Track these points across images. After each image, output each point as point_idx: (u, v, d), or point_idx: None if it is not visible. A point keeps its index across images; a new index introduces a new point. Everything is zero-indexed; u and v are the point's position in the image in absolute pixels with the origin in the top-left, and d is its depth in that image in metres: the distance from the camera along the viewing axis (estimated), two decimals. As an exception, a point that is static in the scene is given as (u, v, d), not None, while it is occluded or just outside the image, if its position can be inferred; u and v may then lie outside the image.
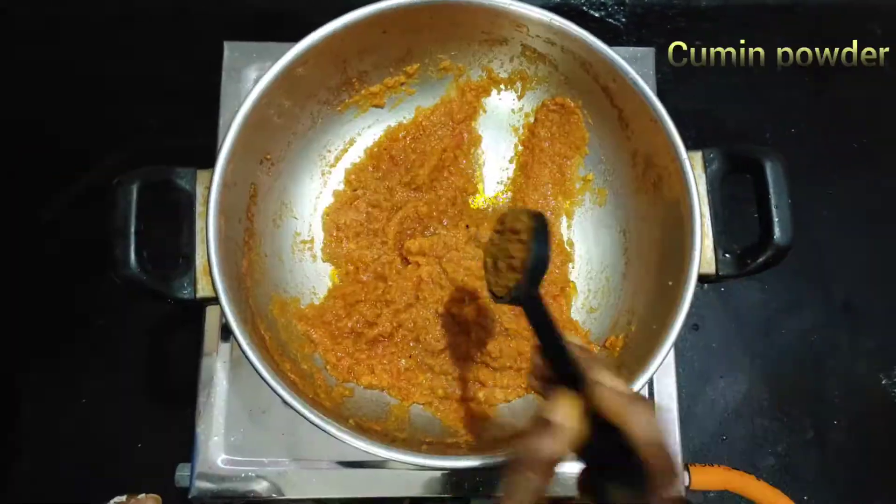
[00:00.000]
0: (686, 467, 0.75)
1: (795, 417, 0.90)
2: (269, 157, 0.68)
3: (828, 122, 0.99)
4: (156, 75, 0.95)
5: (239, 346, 0.60)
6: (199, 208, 0.64)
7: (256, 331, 0.61)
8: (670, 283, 0.62)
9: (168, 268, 0.62)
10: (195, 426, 0.74)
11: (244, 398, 0.74)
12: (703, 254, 0.63)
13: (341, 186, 0.75)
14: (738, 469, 0.74)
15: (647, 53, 0.84)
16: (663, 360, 0.61)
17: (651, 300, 0.66)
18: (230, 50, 0.84)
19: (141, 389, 0.84)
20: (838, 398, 0.90)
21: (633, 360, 0.63)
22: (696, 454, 0.80)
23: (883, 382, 0.89)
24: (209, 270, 0.61)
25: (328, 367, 0.68)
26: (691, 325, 0.90)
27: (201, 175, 0.63)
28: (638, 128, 0.67)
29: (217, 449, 0.72)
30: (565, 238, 0.75)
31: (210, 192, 0.60)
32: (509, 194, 0.78)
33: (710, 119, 0.96)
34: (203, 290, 0.62)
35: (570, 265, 0.75)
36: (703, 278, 0.63)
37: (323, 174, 0.76)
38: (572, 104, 0.73)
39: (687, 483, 0.74)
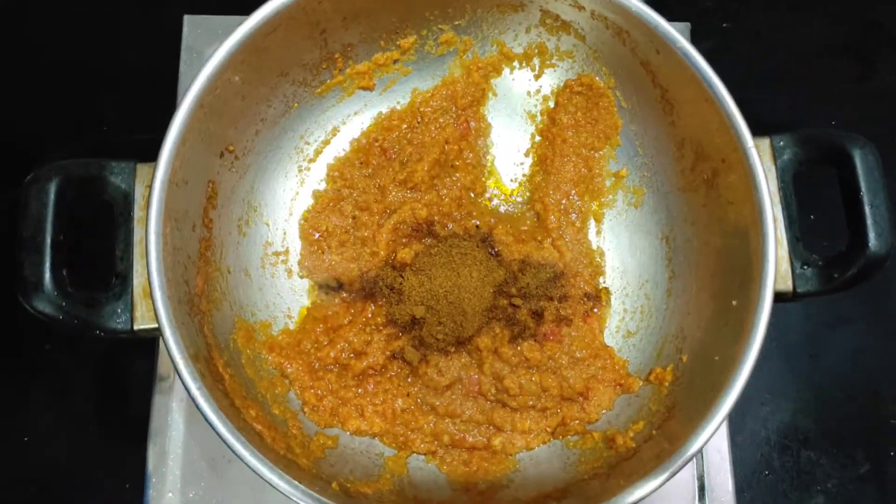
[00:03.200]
0: None
1: (847, 449, 0.83)
2: (231, 149, 0.61)
3: (874, 110, 0.90)
4: (111, 56, 0.85)
5: (187, 390, 0.49)
6: (138, 213, 0.54)
7: (212, 368, 0.54)
8: (734, 303, 0.55)
9: (97, 290, 0.53)
10: (146, 480, 0.65)
11: (205, 445, 0.65)
12: (778, 267, 0.53)
13: (322, 186, 0.69)
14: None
15: (683, 30, 0.74)
16: (734, 403, 0.51)
17: (708, 324, 0.59)
18: (190, 26, 0.75)
19: (93, 425, 0.76)
20: None
21: (689, 398, 0.56)
22: (737, 492, 0.72)
23: (949, 411, 0.82)
24: (150, 292, 0.50)
25: (306, 409, 0.61)
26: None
27: (142, 170, 0.55)
28: (687, 111, 0.60)
29: None
30: (594, 246, 0.69)
31: (152, 191, 0.52)
32: (524, 194, 0.71)
33: (747, 105, 0.86)
34: (142, 318, 0.53)
35: (601, 279, 0.68)
36: (777, 297, 0.53)
37: (300, 171, 0.69)
38: (602, 84, 0.66)
39: None
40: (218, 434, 0.49)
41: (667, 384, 0.59)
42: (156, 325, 0.50)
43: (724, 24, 0.93)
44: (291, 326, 0.65)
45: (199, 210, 0.58)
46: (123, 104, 0.81)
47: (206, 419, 0.49)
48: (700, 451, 0.51)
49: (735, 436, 0.77)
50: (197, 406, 0.49)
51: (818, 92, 0.92)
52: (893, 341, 0.86)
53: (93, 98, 0.83)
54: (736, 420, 0.84)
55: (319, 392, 0.62)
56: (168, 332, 0.49)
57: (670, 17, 0.67)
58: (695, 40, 0.72)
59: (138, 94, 0.82)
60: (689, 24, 0.78)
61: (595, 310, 0.66)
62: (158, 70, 0.76)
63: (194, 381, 0.49)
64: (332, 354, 0.63)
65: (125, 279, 0.53)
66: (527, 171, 0.72)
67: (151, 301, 0.50)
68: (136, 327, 0.52)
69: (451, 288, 0.62)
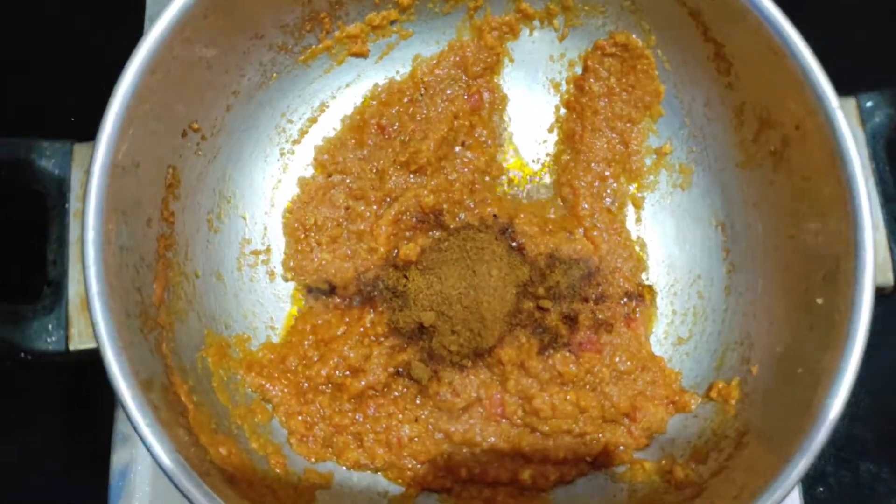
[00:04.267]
0: None
1: None
2: (196, 126, 0.55)
3: None
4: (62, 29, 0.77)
5: (133, 427, 0.41)
6: (75, 204, 0.47)
7: (171, 397, 0.46)
8: (819, 301, 0.48)
9: (23, 302, 0.45)
10: None
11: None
12: (875, 254, 0.45)
13: (309, 171, 0.64)
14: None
15: None
16: (832, 426, 0.44)
17: (783, 328, 0.52)
18: None
19: (58, 453, 0.70)
20: None
21: (768, 421, 0.49)
22: None
23: None
24: (87, 304, 0.42)
25: (293, 440, 0.55)
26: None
27: (80, 152, 0.49)
28: (749, 69, 0.54)
29: None
30: (634, 236, 0.63)
31: (91, 176, 0.44)
32: (549, 177, 0.66)
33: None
34: (80, 337, 0.45)
35: (644, 275, 0.62)
36: (877, 292, 0.46)
37: (282, 154, 0.64)
38: (640, 43, 0.60)
39: None
40: (174, 484, 0.40)
41: (733, 402, 0.53)
42: (95, 345, 0.42)
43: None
44: (275, 340, 0.60)
45: (156, 201, 0.52)
46: (76, 86, 0.73)
47: (160, 465, 0.40)
48: (795, 484, 0.42)
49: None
50: (148, 449, 0.40)
51: (872, 56, 0.84)
52: None
53: (32, 74, 0.75)
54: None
55: (309, 419, 0.56)
56: (110, 355, 0.41)
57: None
58: None
59: (95, 75, 0.76)
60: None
61: (638, 312, 0.60)
62: (118, 43, 0.68)
63: (144, 417, 0.41)
64: (323, 372, 0.57)
65: (59, 288, 0.46)
66: (551, 149, 0.67)
67: (90, 315, 0.42)
68: (72, 348, 0.45)
69: (465, 290, 0.57)
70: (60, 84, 0.72)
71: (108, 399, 0.62)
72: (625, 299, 0.60)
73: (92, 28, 0.75)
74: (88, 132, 0.48)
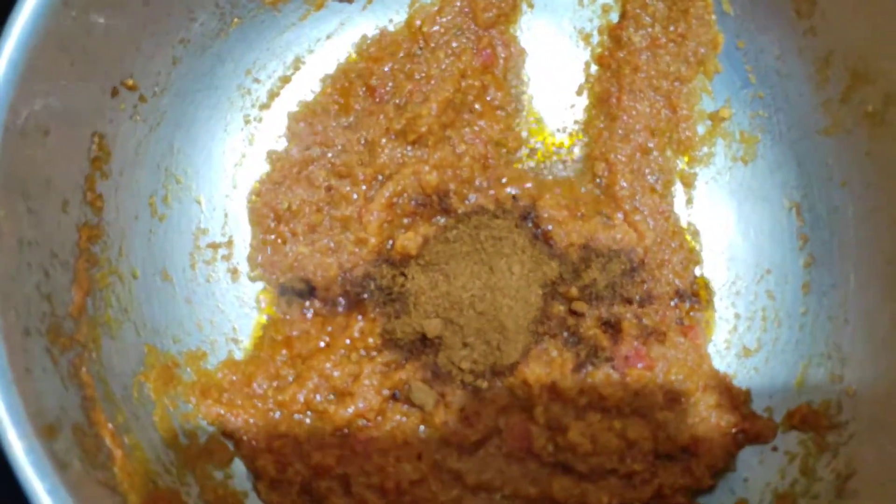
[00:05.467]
0: None
1: None
2: (131, 83, 0.47)
3: None
4: None
5: (27, 498, 0.34)
6: None
7: (87, 444, 0.38)
8: None
9: None
10: None
11: None
12: None
13: (282, 144, 0.57)
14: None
15: None
16: None
17: (890, 335, 0.45)
18: None
19: None
20: None
21: (878, 459, 0.40)
22: None
23: None
24: None
25: (261, 487, 0.48)
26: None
27: None
28: (837, 9, 0.47)
29: None
30: (684, 222, 0.56)
31: None
32: (580, 150, 0.58)
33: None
34: None
35: (697, 269, 0.54)
36: None
37: (247, 122, 0.57)
38: None
39: None
40: None
41: (825, 432, 0.44)
42: None
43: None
44: (238, 356, 0.53)
45: (76, 179, 0.44)
46: None
47: None
48: None
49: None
50: None
51: None
52: None
53: None
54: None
55: (282, 458, 0.48)
56: None
57: None
58: None
59: None
60: None
61: (693, 315, 0.51)
62: None
63: (43, 481, 0.32)
64: (300, 397, 0.50)
65: None
66: (581, 115, 0.59)
67: None
68: None
69: (479, 291, 0.50)
70: None
71: None
72: (675, 300, 0.52)
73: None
74: None
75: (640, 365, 0.50)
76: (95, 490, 0.35)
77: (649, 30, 0.56)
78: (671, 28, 0.55)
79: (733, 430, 0.48)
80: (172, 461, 0.44)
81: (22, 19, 0.37)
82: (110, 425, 0.41)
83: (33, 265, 0.39)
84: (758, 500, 0.46)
